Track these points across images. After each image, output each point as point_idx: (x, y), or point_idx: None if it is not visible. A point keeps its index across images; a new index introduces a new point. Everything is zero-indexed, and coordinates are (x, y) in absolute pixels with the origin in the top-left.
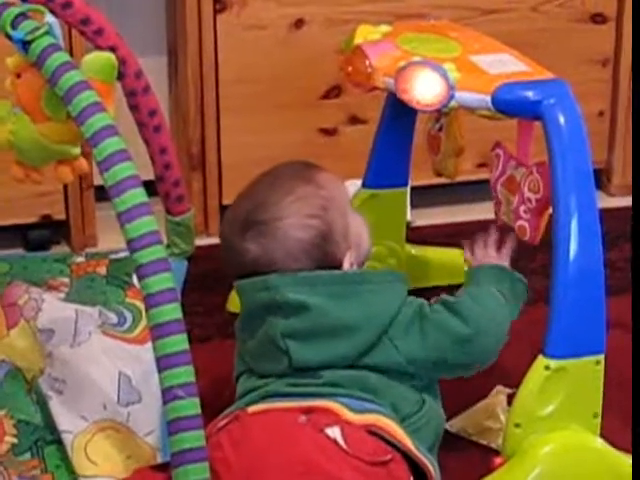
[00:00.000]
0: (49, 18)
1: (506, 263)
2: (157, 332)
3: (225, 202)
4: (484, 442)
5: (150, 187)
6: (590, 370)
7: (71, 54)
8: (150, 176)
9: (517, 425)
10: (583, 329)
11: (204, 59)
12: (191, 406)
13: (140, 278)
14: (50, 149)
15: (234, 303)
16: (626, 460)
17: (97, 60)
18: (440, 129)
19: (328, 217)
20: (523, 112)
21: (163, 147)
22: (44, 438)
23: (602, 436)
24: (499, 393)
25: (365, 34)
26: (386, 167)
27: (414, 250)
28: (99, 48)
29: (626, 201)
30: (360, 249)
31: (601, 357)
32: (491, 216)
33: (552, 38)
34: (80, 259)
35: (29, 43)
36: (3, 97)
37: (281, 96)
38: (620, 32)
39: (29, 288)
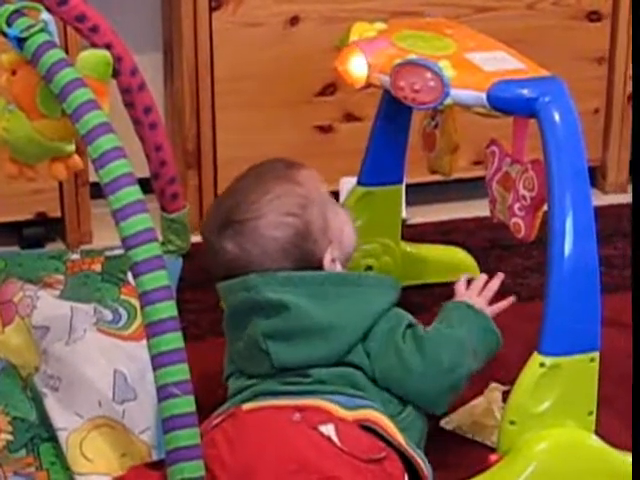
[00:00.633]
0: (44, 15)
1: (488, 312)
2: (152, 330)
3: None
4: (479, 439)
5: (145, 184)
6: (585, 367)
7: (66, 51)
8: (145, 173)
9: (512, 422)
10: (578, 326)
11: (200, 56)
12: (186, 404)
13: (135, 276)
14: (45, 146)
15: None
16: (620, 457)
17: (92, 57)
18: (435, 127)
19: (306, 215)
20: (518, 109)
21: (158, 144)
22: (39, 435)
23: (597, 433)
24: (494, 390)
25: (360, 31)
26: (381, 164)
27: (409, 247)
28: (94, 45)
29: (620, 199)
30: (343, 244)
31: (596, 354)
32: (486, 213)
33: (547, 36)
34: (75, 256)
35: (24, 40)
36: None
37: (276, 93)
38: (615, 30)
39: (24, 285)
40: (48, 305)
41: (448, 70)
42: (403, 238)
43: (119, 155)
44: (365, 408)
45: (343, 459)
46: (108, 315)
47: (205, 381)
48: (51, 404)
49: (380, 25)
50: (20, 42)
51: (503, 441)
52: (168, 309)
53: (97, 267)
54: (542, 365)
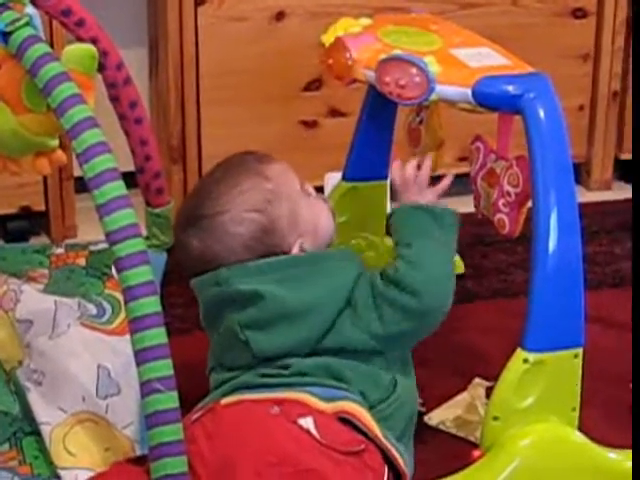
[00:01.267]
0: (29, 9)
1: (428, 198)
2: (135, 325)
3: None
4: (462, 435)
5: (130, 179)
6: (568, 363)
7: (52, 45)
8: (130, 168)
9: (495, 418)
10: (562, 323)
11: (185, 51)
12: (169, 399)
13: (119, 271)
14: (29, 141)
15: None
16: (603, 453)
17: (77, 52)
18: (420, 122)
19: (272, 210)
20: (503, 106)
21: (143, 139)
22: (22, 429)
23: (580, 429)
24: (478, 386)
25: (346, 27)
26: (366, 160)
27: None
28: (80, 39)
29: (605, 196)
30: (317, 235)
31: (579, 350)
32: (471, 209)
33: (533, 32)
34: (59, 250)
35: (9, 34)
36: None
37: (262, 88)
38: (601, 27)
39: (8, 279)
40: (32, 299)
41: (433, 66)
42: (388, 233)
43: (103, 150)
44: (343, 400)
45: (322, 452)
46: (92, 309)
47: (190, 375)
48: (34, 398)
49: (365, 20)
50: (5, 36)
51: (486, 437)
52: (152, 304)
53: (81, 261)
54: (526, 361)
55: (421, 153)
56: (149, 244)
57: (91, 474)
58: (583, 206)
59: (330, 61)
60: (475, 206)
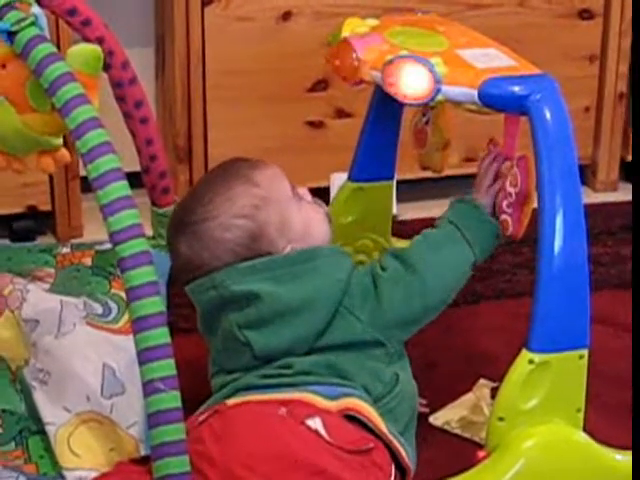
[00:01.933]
0: (35, 9)
1: (486, 200)
2: (138, 325)
3: None
4: (468, 435)
5: (136, 178)
6: (574, 364)
7: (58, 45)
8: (136, 167)
9: (501, 419)
10: (567, 324)
11: (191, 51)
12: (171, 399)
13: (122, 271)
14: (32, 139)
15: None
16: (608, 454)
17: (82, 52)
18: (427, 123)
19: (260, 215)
20: (509, 107)
21: (149, 138)
22: (28, 428)
23: (585, 430)
24: (483, 387)
25: (352, 27)
26: (372, 160)
27: (400, 243)
28: (86, 39)
29: (611, 197)
30: (309, 240)
31: (585, 352)
32: None
33: (539, 33)
34: (65, 250)
35: (15, 34)
36: None
37: (268, 89)
38: (607, 28)
39: (14, 279)
40: (38, 298)
41: (440, 67)
42: (394, 234)
43: (108, 150)
44: (347, 397)
45: (332, 452)
46: (98, 308)
47: (195, 374)
48: (40, 398)
49: (372, 21)
50: (10, 36)
51: (491, 437)
52: (155, 305)
53: (87, 261)
54: (531, 362)
55: (427, 154)
56: (155, 244)
57: (95, 474)
58: (589, 207)
59: (337, 62)
60: None
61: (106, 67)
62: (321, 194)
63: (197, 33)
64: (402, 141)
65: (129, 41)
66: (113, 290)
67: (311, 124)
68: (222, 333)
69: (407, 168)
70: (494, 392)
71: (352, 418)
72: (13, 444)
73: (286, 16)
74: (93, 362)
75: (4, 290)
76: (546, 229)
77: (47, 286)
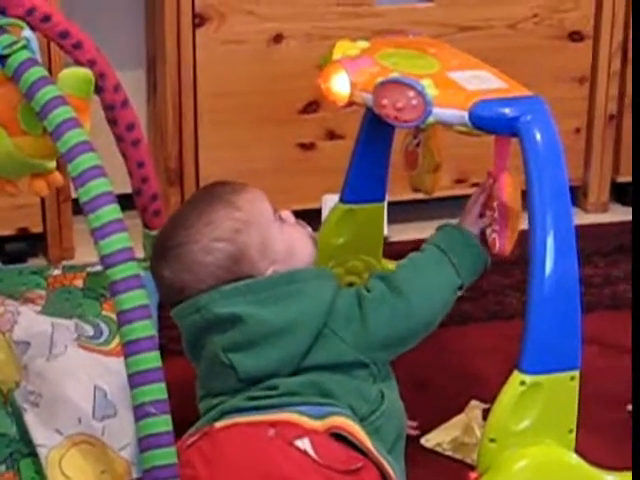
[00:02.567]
0: (27, 32)
1: (473, 228)
2: (129, 349)
3: None
4: (459, 457)
5: (128, 200)
6: (565, 386)
7: (50, 68)
8: (128, 190)
9: (492, 440)
10: (558, 345)
11: (183, 73)
12: (162, 423)
13: (113, 295)
14: (25, 163)
15: None
16: (600, 475)
17: (73, 75)
18: (418, 145)
19: (240, 238)
20: (500, 128)
21: (141, 161)
22: (19, 451)
23: (577, 451)
24: (474, 408)
25: (344, 49)
26: (363, 182)
27: (391, 265)
28: (78, 62)
29: (601, 218)
30: (292, 262)
31: (576, 373)
32: None
33: (529, 55)
34: (57, 272)
35: (6, 57)
36: None
37: (259, 111)
38: (597, 50)
39: (5, 301)
40: (29, 320)
41: (431, 89)
42: (385, 256)
43: (99, 174)
44: (333, 415)
45: (321, 472)
46: (89, 330)
47: (186, 397)
48: (31, 420)
49: (363, 43)
50: (2, 59)
51: (483, 459)
52: (145, 328)
53: (79, 283)
54: (522, 383)
55: (418, 176)
56: (146, 266)
57: None
58: (580, 228)
59: (327, 84)
60: None
61: (98, 90)
62: (312, 215)
63: (189, 55)
64: (393, 163)
65: (121, 63)
66: (104, 312)
67: (302, 146)
68: (207, 356)
69: (398, 190)
70: (486, 413)
71: (339, 437)
72: (4, 467)
73: (277, 38)
74: (84, 384)
75: None
76: (537, 250)
77: (38, 308)
